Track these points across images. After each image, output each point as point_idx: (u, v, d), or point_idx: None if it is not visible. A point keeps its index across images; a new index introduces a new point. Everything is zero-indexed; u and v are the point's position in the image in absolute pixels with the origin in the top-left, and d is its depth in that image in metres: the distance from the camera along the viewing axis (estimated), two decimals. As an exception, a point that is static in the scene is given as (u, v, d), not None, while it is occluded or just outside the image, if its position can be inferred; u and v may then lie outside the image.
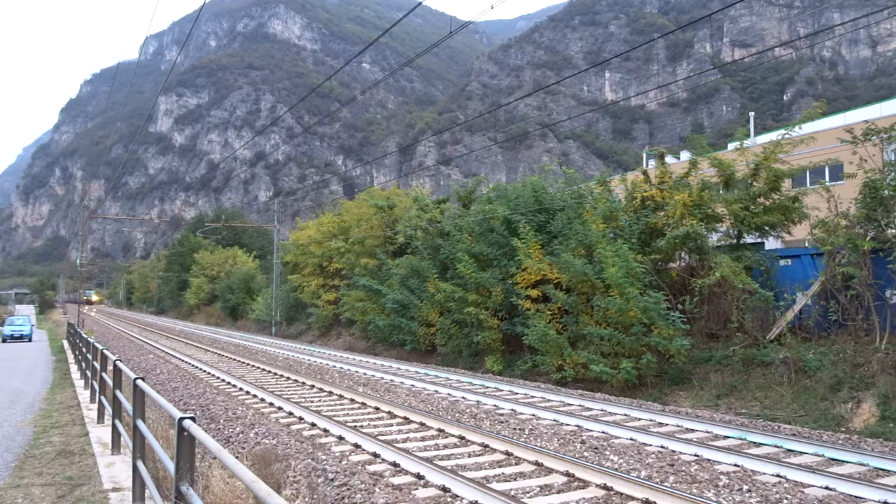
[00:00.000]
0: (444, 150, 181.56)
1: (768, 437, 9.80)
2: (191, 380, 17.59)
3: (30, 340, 37.65)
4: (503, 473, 8.08)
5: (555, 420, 11.37)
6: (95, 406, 11.48)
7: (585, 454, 8.95)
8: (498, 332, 19.84)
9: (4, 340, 37.44)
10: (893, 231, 13.47)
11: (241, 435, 10.42)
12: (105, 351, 11.21)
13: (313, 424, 11.17)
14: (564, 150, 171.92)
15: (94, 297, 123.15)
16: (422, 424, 11.10)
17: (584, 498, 7.06)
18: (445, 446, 9.61)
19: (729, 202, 16.08)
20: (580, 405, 12.98)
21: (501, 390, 15.29)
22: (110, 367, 9.01)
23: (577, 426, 10.80)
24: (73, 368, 19.81)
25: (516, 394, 14.73)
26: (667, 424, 10.99)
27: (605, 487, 7.26)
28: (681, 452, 8.88)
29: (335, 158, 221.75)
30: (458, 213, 25.10)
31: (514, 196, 21.19)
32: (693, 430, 10.45)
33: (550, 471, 8.07)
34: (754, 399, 13.35)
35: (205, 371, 19.87)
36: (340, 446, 9.59)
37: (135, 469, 5.85)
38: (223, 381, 17.58)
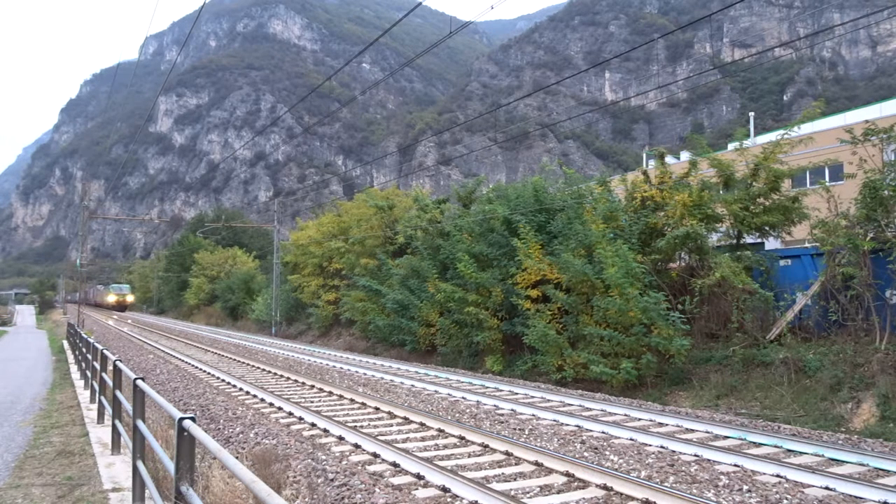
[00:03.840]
0: (444, 150, 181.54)
1: (768, 437, 9.80)
2: (191, 380, 17.59)
3: None
4: (503, 473, 8.08)
5: (555, 420, 11.37)
6: (95, 406, 11.48)
7: (585, 454, 8.95)
8: (498, 332, 19.84)
9: None
10: (893, 231, 13.47)
11: (241, 435, 10.42)
12: (105, 351, 11.21)
13: (313, 424, 11.17)
14: (564, 150, 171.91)
15: (130, 297, 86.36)
16: (422, 424, 11.10)
17: (584, 498, 7.06)
18: (445, 446, 9.61)
19: (729, 202, 16.08)
20: (580, 405, 12.98)
21: (501, 390, 15.29)
22: (110, 368, 9.01)
23: (577, 426, 10.80)
24: (73, 368, 19.80)
25: (516, 394, 14.73)
26: (667, 425, 10.99)
27: (605, 487, 7.26)
28: (681, 452, 8.88)
29: (335, 158, 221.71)
30: (458, 214, 25.09)
31: (515, 196, 21.19)
32: (693, 431, 10.45)
33: (550, 471, 8.07)
34: (754, 399, 13.35)
35: (205, 371, 19.87)
36: (340, 446, 9.59)
37: (135, 469, 5.85)
38: (223, 381, 17.57)
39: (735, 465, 8.18)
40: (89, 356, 13.88)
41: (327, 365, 21.35)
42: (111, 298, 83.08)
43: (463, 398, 13.95)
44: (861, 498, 6.98)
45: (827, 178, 22.56)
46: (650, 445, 9.38)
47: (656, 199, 17.68)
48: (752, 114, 47.96)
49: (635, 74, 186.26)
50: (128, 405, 7.07)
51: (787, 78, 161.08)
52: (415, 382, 16.52)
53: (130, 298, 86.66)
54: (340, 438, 10.06)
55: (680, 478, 7.74)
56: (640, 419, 11.47)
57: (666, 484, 7.44)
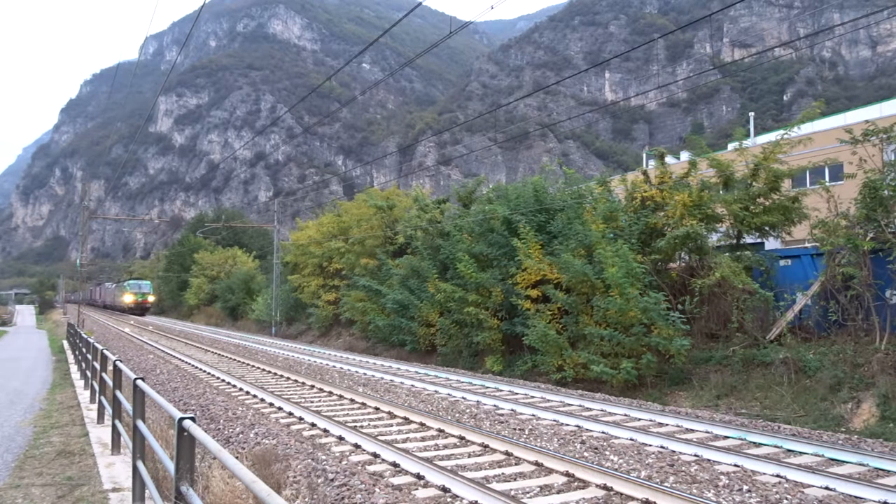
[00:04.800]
0: (444, 150, 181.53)
1: (768, 437, 9.80)
2: (191, 380, 17.58)
3: None
4: (503, 473, 8.08)
5: (555, 420, 11.36)
6: (95, 406, 11.48)
7: (585, 454, 8.95)
8: (498, 333, 19.84)
9: None
10: (893, 231, 13.47)
11: (241, 435, 10.42)
12: (105, 351, 11.21)
13: (313, 424, 11.17)
14: (564, 150, 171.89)
15: (151, 297, 70.62)
16: (422, 425, 11.10)
17: (584, 498, 7.06)
18: (445, 446, 9.61)
19: (728, 202, 16.09)
20: (580, 405, 12.97)
21: (501, 390, 15.29)
22: (110, 368, 9.01)
23: (576, 426, 10.80)
24: (73, 368, 19.80)
25: (516, 394, 14.73)
26: (667, 425, 10.98)
27: (605, 487, 7.26)
28: (681, 452, 8.88)
29: (335, 158, 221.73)
30: (459, 214, 25.10)
31: (515, 196, 21.20)
32: (693, 431, 10.45)
33: (550, 471, 8.07)
34: (754, 399, 13.35)
35: (205, 371, 19.87)
36: (340, 446, 9.59)
37: (135, 469, 5.85)
38: (223, 381, 17.57)
39: (735, 465, 8.18)
40: (89, 356, 13.88)
41: (327, 365, 21.35)
42: (128, 299, 68.25)
43: (463, 398, 13.95)
44: (861, 498, 6.98)
45: (827, 178, 22.56)
46: (650, 445, 9.38)
47: (656, 199, 17.68)
48: (752, 114, 47.97)
49: (635, 74, 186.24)
50: (128, 405, 7.07)
51: (787, 78, 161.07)
52: (415, 382, 16.51)
53: (152, 298, 70.93)
54: (340, 438, 10.06)
55: (680, 478, 7.74)
56: (640, 419, 11.47)
57: (666, 484, 7.44)
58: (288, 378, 17.94)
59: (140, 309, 67.77)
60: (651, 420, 11.34)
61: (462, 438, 9.97)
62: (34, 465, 8.01)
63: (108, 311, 75.83)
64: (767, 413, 12.50)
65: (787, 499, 6.92)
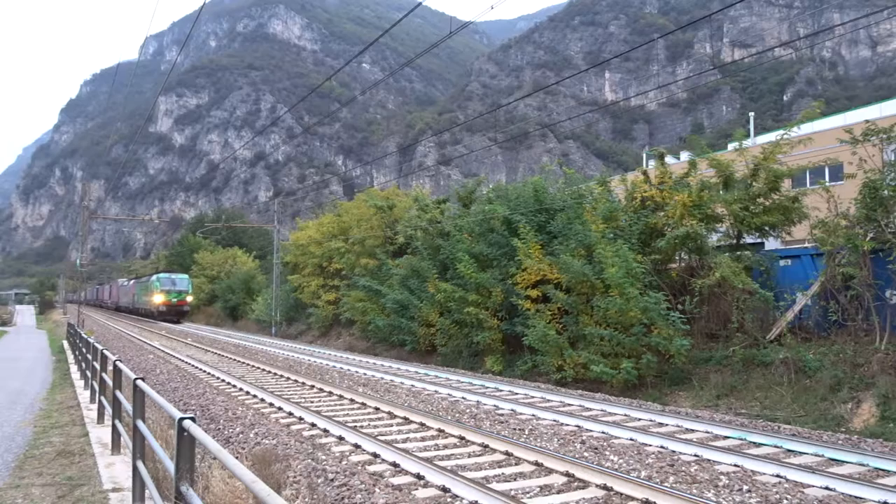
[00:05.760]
0: (444, 150, 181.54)
1: (768, 437, 9.80)
2: (191, 380, 17.58)
3: None
4: (503, 473, 8.08)
5: (555, 420, 11.36)
6: (95, 406, 11.48)
7: (585, 454, 8.95)
8: (498, 333, 19.83)
9: None
10: (893, 231, 13.47)
11: (241, 435, 10.42)
12: (105, 351, 11.21)
13: (313, 425, 11.17)
14: (564, 150, 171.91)
15: (190, 296, 52.45)
16: (422, 425, 11.10)
17: (583, 498, 7.06)
18: (445, 446, 9.61)
19: (728, 202, 16.09)
20: (580, 405, 12.97)
21: (501, 390, 15.29)
22: (110, 368, 9.01)
23: (576, 426, 10.80)
24: (73, 369, 19.80)
25: (516, 394, 14.73)
26: (667, 425, 10.98)
27: (605, 487, 7.26)
28: (681, 453, 8.88)
29: (335, 158, 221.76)
30: (459, 214, 25.10)
31: (515, 196, 21.20)
32: (693, 431, 10.45)
33: (550, 471, 8.07)
34: (754, 399, 13.35)
35: (205, 371, 19.86)
36: (340, 446, 9.59)
37: (135, 469, 5.86)
38: (223, 381, 17.57)
39: (735, 465, 8.18)
40: (89, 356, 13.88)
41: (327, 365, 21.35)
42: (157, 299, 50.15)
43: (463, 398, 13.95)
44: (861, 498, 6.98)
45: (827, 178, 22.56)
46: (650, 445, 9.38)
47: (656, 199, 17.67)
48: (752, 114, 48.05)
49: (635, 74, 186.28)
50: (128, 405, 7.08)
51: (787, 78, 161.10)
52: (415, 382, 16.51)
53: (190, 299, 52.73)
54: (340, 438, 10.06)
55: (680, 478, 7.74)
56: (640, 419, 11.47)
57: (666, 484, 7.44)
58: (288, 378, 17.94)
59: (175, 313, 50.95)
60: (651, 420, 11.34)
61: (462, 438, 9.97)
62: (34, 465, 8.01)
63: (122, 316, 62.78)
64: (767, 413, 12.50)
65: (787, 499, 6.92)
